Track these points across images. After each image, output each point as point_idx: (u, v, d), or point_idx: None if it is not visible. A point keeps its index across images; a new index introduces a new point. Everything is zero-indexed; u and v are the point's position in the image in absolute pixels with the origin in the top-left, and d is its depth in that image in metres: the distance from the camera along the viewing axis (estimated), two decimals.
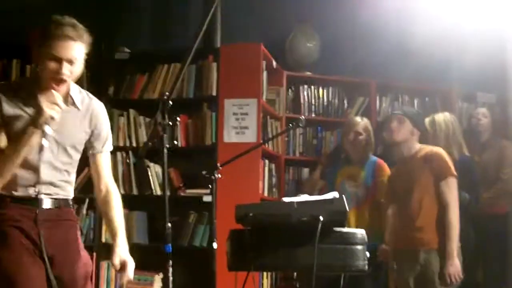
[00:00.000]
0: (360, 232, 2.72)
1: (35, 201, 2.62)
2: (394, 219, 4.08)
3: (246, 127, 4.78)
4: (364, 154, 4.60)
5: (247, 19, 5.67)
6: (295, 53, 5.61)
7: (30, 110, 2.58)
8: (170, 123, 2.30)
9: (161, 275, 4.68)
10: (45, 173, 2.63)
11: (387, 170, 4.51)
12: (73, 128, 2.69)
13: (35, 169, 2.62)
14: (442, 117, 4.41)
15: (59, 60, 2.53)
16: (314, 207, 2.66)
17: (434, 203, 3.87)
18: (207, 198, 4.69)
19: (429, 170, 3.88)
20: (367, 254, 2.69)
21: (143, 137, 5.02)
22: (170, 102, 2.29)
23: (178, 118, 2.39)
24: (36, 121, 2.51)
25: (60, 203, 2.68)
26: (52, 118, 2.51)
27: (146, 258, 4.82)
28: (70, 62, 2.55)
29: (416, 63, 5.30)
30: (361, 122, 4.65)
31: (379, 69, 5.62)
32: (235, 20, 5.51)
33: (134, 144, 5.05)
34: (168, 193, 2.42)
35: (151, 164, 5.01)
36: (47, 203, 2.64)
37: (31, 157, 2.58)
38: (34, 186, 2.62)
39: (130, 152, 5.07)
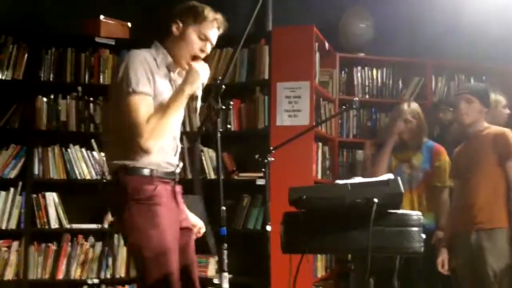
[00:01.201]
0: (416, 214, 2.68)
1: (173, 173, 2.77)
2: (452, 201, 4.03)
3: (299, 110, 4.77)
4: (418, 139, 4.54)
5: (298, 1, 5.63)
6: (348, 34, 5.56)
7: (172, 82, 2.78)
8: (223, 107, 2.32)
9: (216, 258, 4.74)
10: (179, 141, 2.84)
11: (444, 155, 4.45)
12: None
13: (175, 137, 2.78)
14: (493, 97, 4.32)
15: (207, 41, 2.78)
16: (369, 189, 2.64)
17: (497, 183, 3.79)
18: (261, 182, 4.71)
19: (495, 149, 3.82)
20: (423, 236, 2.66)
21: (197, 122, 5.06)
22: (223, 87, 2.31)
23: (231, 103, 2.41)
24: (193, 84, 2.66)
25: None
26: (203, 83, 2.68)
27: (201, 241, 4.92)
28: (211, 46, 2.81)
29: (471, 41, 5.19)
30: (408, 108, 4.57)
31: (433, 49, 5.52)
32: (287, 3, 5.49)
33: (187, 129, 5.10)
34: (222, 177, 2.45)
35: (205, 149, 5.05)
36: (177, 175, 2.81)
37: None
38: (175, 155, 2.79)
39: (184, 137, 5.12)
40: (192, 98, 2.67)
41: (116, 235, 4.90)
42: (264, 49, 4.95)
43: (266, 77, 4.92)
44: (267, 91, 4.91)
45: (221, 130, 2.34)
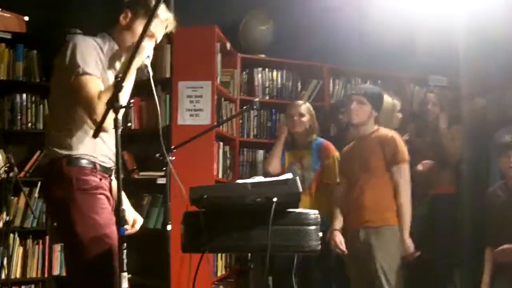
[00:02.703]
0: (313, 213, 2.75)
1: (110, 169, 2.74)
2: (344, 200, 4.15)
3: (201, 110, 4.77)
4: (309, 137, 4.66)
5: (201, 1, 5.63)
6: (249, 36, 5.62)
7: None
8: (123, 105, 2.29)
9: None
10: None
11: (333, 152, 4.58)
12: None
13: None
14: (391, 101, 4.50)
15: (152, 38, 2.77)
16: (268, 189, 2.68)
17: (384, 185, 3.95)
18: (161, 181, 4.68)
19: (382, 153, 3.95)
20: (320, 234, 2.73)
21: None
22: (123, 85, 2.28)
23: (131, 101, 2.37)
24: (139, 55, 2.60)
25: None
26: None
27: None
28: (155, 44, 2.79)
29: (369, 47, 5.36)
30: (303, 104, 4.71)
31: (332, 53, 5.67)
32: (189, 3, 5.46)
33: None
34: (122, 175, 2.42)
35: None
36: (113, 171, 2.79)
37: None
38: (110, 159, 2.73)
39: None
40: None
41: (11, 235, 4.72)
42: (166, 48, 4.93)
43: (168, 75, 4.89)
44: (168, 89, 4.89)
45: (121, 128, 2.30)
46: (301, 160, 4.62)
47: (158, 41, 2.80)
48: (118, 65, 2.79)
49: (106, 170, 2.73)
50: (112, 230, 2.59)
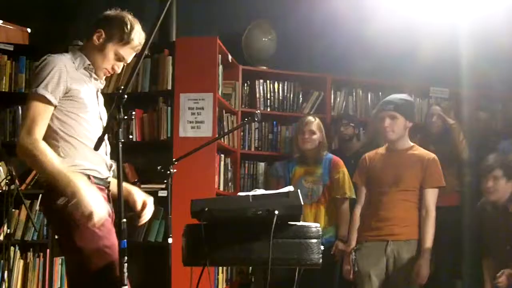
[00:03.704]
0: (315, 226, 2.74)
1: (106, 180, 2.76)
2: (362, 210, 4.13)
3: (202, 122, 4.77)
4: (320, 153, 4.64)
5: (203, 13, 5.66)
6: (250, 48, 5.62)
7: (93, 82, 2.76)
8: (125, 117, 2.28)
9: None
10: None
11: (342, 167, 4.58)
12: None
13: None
14: None
15: (122, 62, 2.77)
16: (270, 201, 2.67)
17: (414, 201, 3.98)
18: (163, 193, 4.66)
19: (421, 172, 3.97)
20: (322, 247, 2.72)
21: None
22: (125, 96, 2.27)
23: (133, 113, 2.37)
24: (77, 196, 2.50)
25: None
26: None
27: None
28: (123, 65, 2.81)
29: (370, 58, 5.36)
30: (315, 121, 4.68)
31: (334, 65, 5.67)
32: (191, 14, 5.49)
33: None
34: (123, 188, 2.41)
35: None
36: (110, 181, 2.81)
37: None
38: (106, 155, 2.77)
39: None
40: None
41: (12, 248, 4.71)
42: (168, 59, 4.93)
43: (170, 87, 4.89)
44: (170, 101, 4.88)
45: (122, 140, 2.30)
46: (311, 174, 4.61)
47: (127, 62, 2.82)
48: (97, 76, 2.79)
49: (102, 181, 2.72)
50: (112, 241, 2.58)
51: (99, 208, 2.50)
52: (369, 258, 3.96)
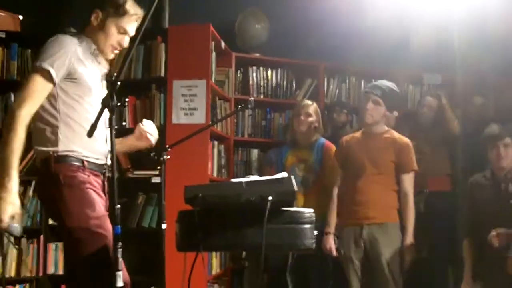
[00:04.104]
0: (308, 211, 2.76)
1: (103, 166, 2.78)
2: (343, 194, 4.16)
3: (195, 109, 4.77)
4: (312, 137, 4.66)
5: (196, 0, 5.63)
6: (244, 35, 5.62)
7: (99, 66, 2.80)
8: (118, 104, 2.29)
9: None
10: None
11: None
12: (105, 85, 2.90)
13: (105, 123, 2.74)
14: None
15: (125, 34, 2.80)
16: (263, 187, 2.69)
17: (390, 184, 4.01)
18: (156, 180, 4.68)
19: (394, 155, 4.00)
20: (315, 232, 2.74)
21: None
22: (118, 83, 2.27)
23: (126, 100, 2.38)
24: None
25: None
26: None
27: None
28: (128, 39, 2.83)
29: (363, 46, 5.36)
30: (312, 105, 4.70)
31: (327, 52, 5.68)
32: (184, 2, 5.46)
33: None
34: (116, 174, 2.41)
35: None
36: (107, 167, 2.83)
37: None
38: (106, 142, 2.78)
39: None
40: None
41: (6, 234, 4.72)
42: (161, 46, 4.92)
43: (162, 74, 4.89)
44: (163, 88, 4.88)
45: (116, 127, 2.30)
46: (303, 161, 4.62)
47: (132, 35, 2.84)
48: (101, 60, 2.84)
49: (98, 167, 2.74)
50: (105, 222, 2.61)
51: (5, 218, 2.47)
52: (349, 243, 3.99)
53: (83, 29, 2.83)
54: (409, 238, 3.92)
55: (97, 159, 2.73)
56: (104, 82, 2.86)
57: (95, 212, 2.61)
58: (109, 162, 2.77)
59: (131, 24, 2.81)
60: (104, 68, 2.86)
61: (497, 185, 4.02)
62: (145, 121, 3.04)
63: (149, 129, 3.01)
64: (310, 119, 4.64)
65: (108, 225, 2.60)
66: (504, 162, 4.02)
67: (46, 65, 2.60)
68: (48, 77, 2.61)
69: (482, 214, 4.02)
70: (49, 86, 2.63)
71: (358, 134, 4.24)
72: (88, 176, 2.67)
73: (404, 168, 4.01)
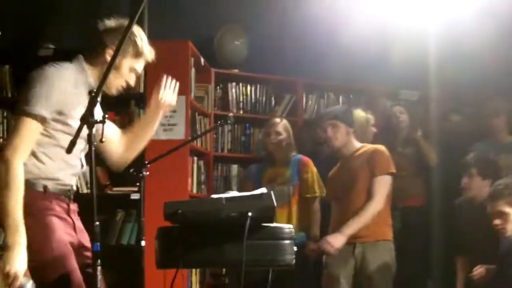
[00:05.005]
0: (288, 227, 2.76)
1: (68, 191, 2.69)
2: (331, 220, 4.17)
3: (175, 124, 4.77)
4: (287, 154, 4.68)
5: (175, 16, 5.65)
6: (223, 51, 5.63)
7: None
8: (98, 120, 2.28)
9: None
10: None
11: (311, 167, 4.61)
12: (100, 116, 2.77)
13: (80, 157, 2.71)
14: (364, 115, 4.58)
15: (134, 73, 2.78)
16: (243, 203, 2.68)
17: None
18: (135, 196, 4.66)
19: (368, 166, 4.01)
20: (295, 248, 2.74)
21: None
22: (98, 100, 2.27)
23: (106, 116, 2.37)
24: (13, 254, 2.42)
25: None
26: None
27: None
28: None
29: (342, 62, 5.41)
30: (280, 122, 4.73)
31: (305, 68, 5.72)
32: (163, 17, 5.47)
33: None
34: (95, 191, 2.40)
35: None
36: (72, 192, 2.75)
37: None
38: (74, 172, 2.72)
39: None
40: None
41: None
42: None
43: (142, 90, 4.88)
44: (142, 104, 4.87)
45: (95, 143, 2.30)
46: (280, 177, 4.63)
47: (139, 73, 2.85)
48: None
49: (62, 192, 2.66)
50: (65, 252, 2.55)
51: (20, 270, 2.42)
52: (338, 261, 3.98)
53: (86, 57, 2.71)
54: (344, 231, 3.89)
55: (63, 183, 2.66)
56: (98, 106, 2.73)
57: (55, 239, 2.54)
58: (80, 183, 2.74)
59: (142, 65, 2.81)
60: (99, 109, 2.75)
61: (476, 209, 4.08)
62: (157, 91, 2.96)
63: (164, 95, 2.98)
64: (280, 137, 4.66)
65: (69, 251, 2.56)
66: (468, 193, 4.11)
67: (38, 110, 2.49)
68: (40, 120, 2.50)
69: (469, 235, 4.07)
70: (41, 128, 2.53)
71: (338, 164, 4.26)
72: (50, 202, 2.59)
73: (373, 172, 3.99)
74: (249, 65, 5.71)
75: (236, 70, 5.65)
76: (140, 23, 5.14)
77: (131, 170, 3.36)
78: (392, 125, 5.23)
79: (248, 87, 5.70)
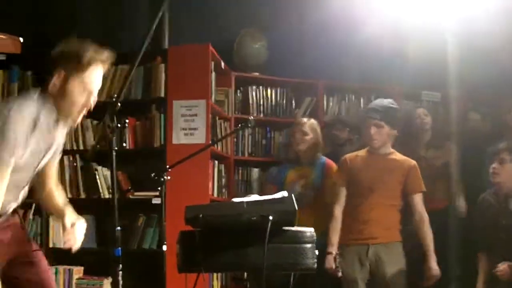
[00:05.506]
0: (309, 231, 2.75)
1: (5, 213, 2.65)
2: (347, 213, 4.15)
3: (195, 129, 4.77)
4: (313, 154, 4.65)
5: (195, 20, 5.67)
6: (242, 55, 5.64)
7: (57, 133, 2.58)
8: (119, 125, 2.29)
9: (110, 279, 4.64)
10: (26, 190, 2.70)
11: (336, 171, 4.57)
12: (62, 143, 2.73)
13: (24, 187, 2.66)
14: None
15: (91, 94, 2.54)
16: (264, 207, 2.68)
17: (395, 206, 4.04)
18: (156, 200, 4.67)
19: (401, 178, 4.03)
20: (316, 252, 2.72)
21: (91, 140, 4.96)
22: (119, 105, 2.28)
23: (126, 120, 2.38)
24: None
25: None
26: None
27: (95, 262, 4.79)
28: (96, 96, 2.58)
29: (362, 63, 5.39)
30: (307, 122, 4.70)
31: (326, 70, 5.69)
32: (183, 22, 5.50)
33: (81, 147, 4.98)
34: (116, 196, 2.41)
35: (99, 167, 4.95)
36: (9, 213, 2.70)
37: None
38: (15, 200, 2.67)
39: (77, 156, 5.00)
40: None
41: None
42: (160, 67, 4.93)
43: (162, 95, 4.90)
44: (163, 109, 4.89)
45: (116, 148, 2.30)
46: (304, 178, 4.61)
47: (96, 92, 2.59)
48: (61, 126, 2.63)
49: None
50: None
51: None
52: (353, 264, 3.98)
53: (46, 89, 2.56)
54: (432, 261, 3.94)
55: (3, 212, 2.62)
56: (54, 148, 2.66)
57: None
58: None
59: (97, 77, 2.56)
60: (62, 136, 2.69)
61: (502, 202, 4.03)
62: (79, 227, 2.76)
63: (74, 236, 2.73)
64: (306, 137, 4.63)
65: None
66: (497, 178, 4.05)
67: (7, 157, 2.42)
68: (8, 164, 2.44)
69: (493, 230, 4.04)
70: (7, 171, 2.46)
71: (362, 153, 4.22)
72: None
73: (413, 189, 4.04)
74: (269, 68, 5.70)
75: (256, 73, 5.65)
76: (161, 28, 5.21)
77: (152, 175, 3.36)
78: (415, 128, 5.18)
79: (268, 90, 5.69)
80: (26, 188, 2.70)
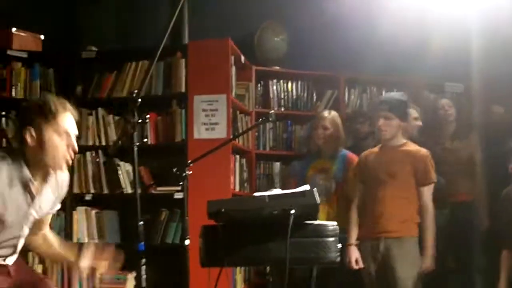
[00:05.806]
0: (332, 224, 2.74)
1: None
2: (361, 207, 4.14)
3: (216, 123, 4.78)
4: (334, 148, 4.63)
5: (214, 15, 5.67)
6: (263, 48, 5.63)
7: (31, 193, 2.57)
8: (140, 121, 2.30)
9: (134, 274, 4.67)
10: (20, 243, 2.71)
11: None
12: (49, 202, 2.71)
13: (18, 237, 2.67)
14: None
15: (70, 136, 2.54)
16: (286, 201, 2.67)
17: (409, 198, 3.97)
18: (179, 195, 4.68)
19: (412, 168, 3.98)
20: (339, 245, 2.71)
21: (113, 136, 4.99)
22: (139, 100, 2.29)
23: (147, 116, 2.38)
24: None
25: None
26: None
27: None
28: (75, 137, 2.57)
29: (383, 55, 5.34)
30: (328, 116, 4.68)
31: (347, 62, 5.65)
32: (203, 16, 5.50)
33: (103, 143, 5.01)
34: (139, 191, 2.42)
35: (121, 163, 4.98)
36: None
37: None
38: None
39: (100, 151, 5.03)
40: None
41: None
42: (181, 62, 4.94)
43: (183, 90, 4.91)
44: (184, 104, 4.90)
45: (137, 143, 2.31)
46: (325, 171, 4.60)
47: (75, 132, 2.59)
48: (33, 186, 2.60)
49: None
50: None
51: None
52: (367, 256, 3.99)
53: (21, 146, 2.54)
54: (428, 254, 3.89)
55: None
56: (31, 211, 2.64)
57: None
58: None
59: (68, 121, 2.55)
60: (52, 191, 2.68)
61: None
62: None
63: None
64: (328, 131, 4.62)
65: None
66: None
67: None
68: None
69: None
70: None
71: (376, 149, 4.22)
72: None
73: (422, 181, 3.98)
74: (289, 62, 5.69)
75: (276, 67, 5.64)
76: (180, 23, 5.21)
77: (174, 170, 3.37)
78: (439, 119, 5.13)
79: (289, 84, 5.68)
80: (22, 240, 2.71)
